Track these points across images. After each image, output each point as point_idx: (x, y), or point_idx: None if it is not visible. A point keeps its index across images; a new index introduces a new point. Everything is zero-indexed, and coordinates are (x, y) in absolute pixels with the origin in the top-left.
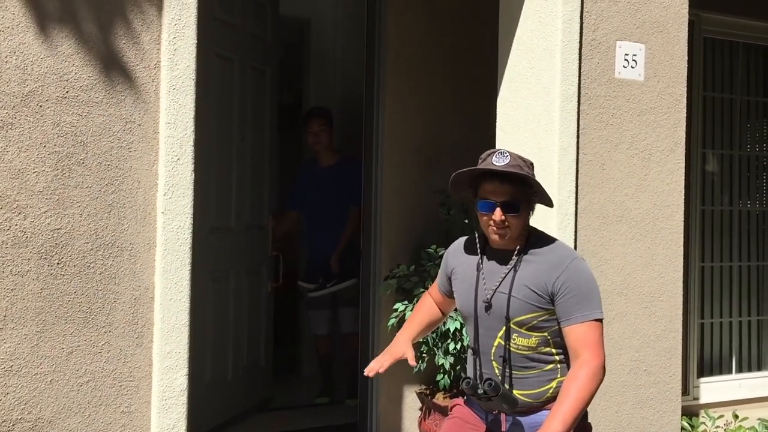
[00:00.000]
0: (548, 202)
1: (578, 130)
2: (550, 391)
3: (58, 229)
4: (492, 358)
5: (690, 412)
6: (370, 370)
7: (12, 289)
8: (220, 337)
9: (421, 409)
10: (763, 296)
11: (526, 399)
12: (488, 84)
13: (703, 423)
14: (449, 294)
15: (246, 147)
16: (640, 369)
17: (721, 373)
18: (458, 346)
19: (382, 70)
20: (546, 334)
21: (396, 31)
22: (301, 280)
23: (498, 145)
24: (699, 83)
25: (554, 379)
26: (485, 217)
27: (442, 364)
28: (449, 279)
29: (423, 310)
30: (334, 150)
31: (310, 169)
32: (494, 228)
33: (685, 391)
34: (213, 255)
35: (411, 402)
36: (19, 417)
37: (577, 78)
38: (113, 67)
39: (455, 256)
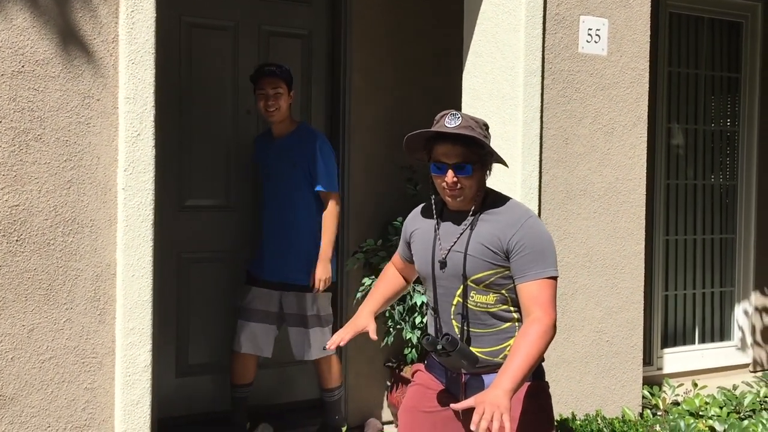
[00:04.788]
0: (503, 162)
1: (542, 105)
2: (508, 349)
3: (16, 205)
4: (452, 316)
5: (654, 382)
6: (332, 343)
7: None
8: (210, 320)
9: (389, 383)
10: (725, 268)
11: (484, 357)
12: (454, 60)
13: (664, 392)
14: (410, 260)
15: (248, 120)
16: (603, 340)
17: (684, 343)
18: (425, 320)
19: (348, 47)
20: (503, 291)
21: (361, 8)
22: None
23: None
24: (664, 58)
25: (512, 337)
26: (439, 179)
27: (410, 338)
28: (408, 244)
29: (385, 280)
30: (291, 118)
31: (265, 143)
32: (447, 190)
33: (649, 361)
34: (206, 234)
35: (380, 376)
36: None
37: (541, 53)
38: (70, 41)
39: (414, 222)
